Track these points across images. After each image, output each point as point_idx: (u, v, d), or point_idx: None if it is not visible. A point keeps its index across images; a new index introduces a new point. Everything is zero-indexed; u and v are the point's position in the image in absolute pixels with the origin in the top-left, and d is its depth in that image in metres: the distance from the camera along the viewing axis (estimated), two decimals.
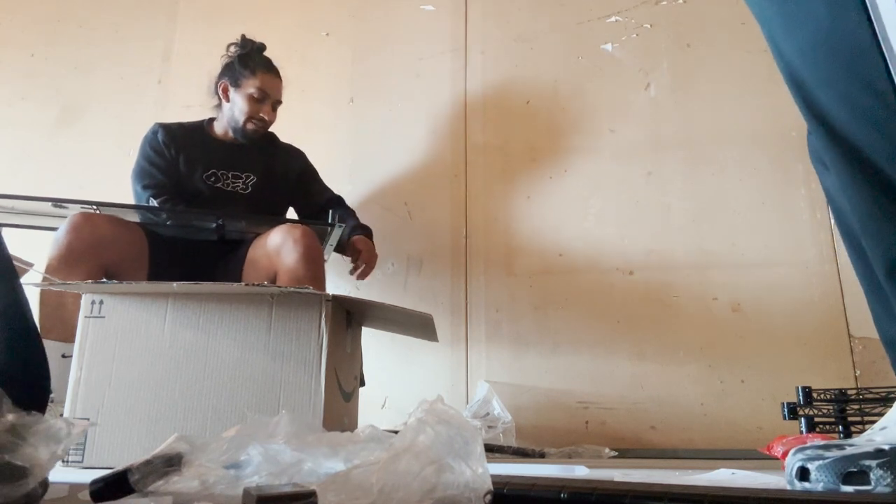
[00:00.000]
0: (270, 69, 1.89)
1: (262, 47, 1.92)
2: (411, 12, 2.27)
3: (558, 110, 2.07)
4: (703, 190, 1.91)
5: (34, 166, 2.35)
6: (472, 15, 2.22)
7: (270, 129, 1.98)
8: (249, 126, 1.86)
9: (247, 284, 1.17)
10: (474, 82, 2.16)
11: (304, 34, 2.34)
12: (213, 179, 1.82)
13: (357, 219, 1.98)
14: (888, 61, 0.51)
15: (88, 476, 0.63)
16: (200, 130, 1.91)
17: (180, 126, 1.90)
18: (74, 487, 0.69)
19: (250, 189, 1.85)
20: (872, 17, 0.51)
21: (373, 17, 2.30)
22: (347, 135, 2.21)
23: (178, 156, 1.82)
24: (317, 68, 2.29)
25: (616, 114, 2.02)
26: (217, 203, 1.80)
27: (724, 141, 1.93)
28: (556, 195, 2.01)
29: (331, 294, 1.15)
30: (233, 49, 1.90)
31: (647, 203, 1.94)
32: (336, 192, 2.03)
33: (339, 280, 2.03)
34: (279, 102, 1.91)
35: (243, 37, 1.91)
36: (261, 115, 1.86)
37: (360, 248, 1.85)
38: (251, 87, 1.84)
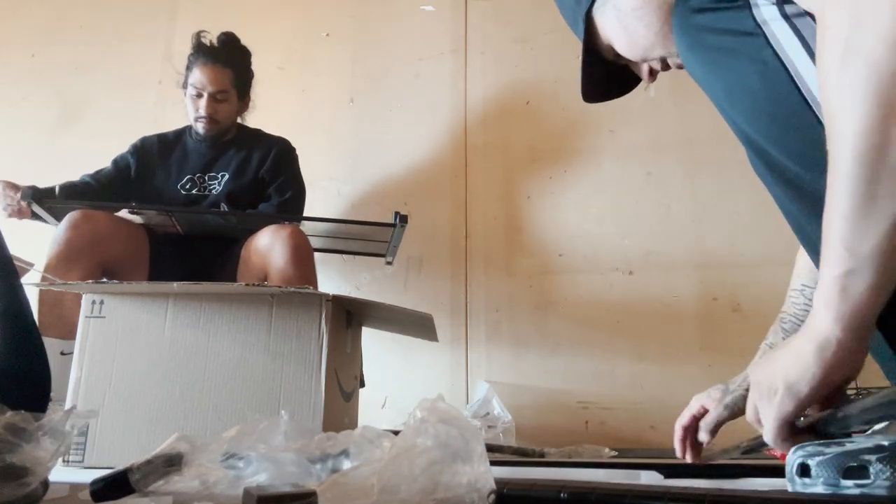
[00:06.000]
0: (208, 60, 1.72)
1: (201, 38, 1.75)
2: (411, 12, 2.27)
3: (558, 110, 2.07)
4: (703, 190, 1.91)
5: (35, 166, 2.34)
6: (472, 15, 2.22)
7: (255, 127, 1.90)
8: (199, 126, 1.77)
9: (247, 284, 1.17)
10: (474, 83, 2.16)
11: (304, 34, 2.34)
12: (189, 186, 1.77)
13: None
14: (817, 116, 0.61)
15: (89, 476, 0.63)
16: (181, 138, 1.86)
17: (161, 138, 1.84)
18: (75, 487, 0.69)
19: (222, 187, 1.77)
20: (797, 83, 0.62)
21: (373, 18, 2.30)
22: (347, 135, 2.21)
23: (153, 170, 1.79)
24: (317, 68, 2.29)
25: (616, 114, 2.02)
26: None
27: (723, 141, 1.92)
28: (556, 195, 2.01)
29: (331, 294, 1.15)
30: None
31: (647, 203, 1.94)
32: (336, 192, 2.02)
33: (339, 280, 2.03)
34: (222, 93, 1.74)
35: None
36: (199, 112, 1.74)
37: None
38: (190, 85, 1.75)
